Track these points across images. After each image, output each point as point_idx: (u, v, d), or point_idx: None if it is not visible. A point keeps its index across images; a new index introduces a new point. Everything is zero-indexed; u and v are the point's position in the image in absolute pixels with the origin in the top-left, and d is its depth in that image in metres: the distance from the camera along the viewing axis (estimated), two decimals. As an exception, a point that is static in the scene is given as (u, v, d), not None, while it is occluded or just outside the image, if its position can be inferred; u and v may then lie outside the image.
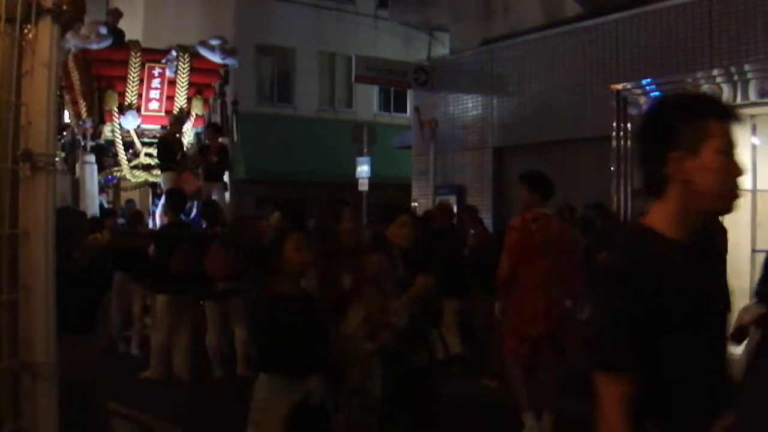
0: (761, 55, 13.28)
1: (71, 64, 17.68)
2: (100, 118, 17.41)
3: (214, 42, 18.27)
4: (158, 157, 17.01)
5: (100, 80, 17.44)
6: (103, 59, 17.35)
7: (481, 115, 18.66)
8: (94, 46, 17.03)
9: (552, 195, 8.46)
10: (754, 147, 14.00)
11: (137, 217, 16.01)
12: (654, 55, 14.85)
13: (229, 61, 18.43)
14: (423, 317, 6.37)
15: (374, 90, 30.37)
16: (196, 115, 18.34)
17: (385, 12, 27.86)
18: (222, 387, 10.97)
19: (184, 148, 17.36)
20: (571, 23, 16.80)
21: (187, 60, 17.82)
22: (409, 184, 20.71)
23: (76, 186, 17.88)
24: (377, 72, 19.73)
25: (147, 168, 17.88)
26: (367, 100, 31.09)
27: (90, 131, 17.55)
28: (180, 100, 17.99)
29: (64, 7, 4.08)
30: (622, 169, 15.12)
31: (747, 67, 13.42)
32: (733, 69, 13.61)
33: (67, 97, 18.31)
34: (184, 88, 17.98)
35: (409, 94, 23.78)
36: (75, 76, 17.75)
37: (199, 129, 18.53)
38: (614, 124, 15.25)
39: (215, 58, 18.16)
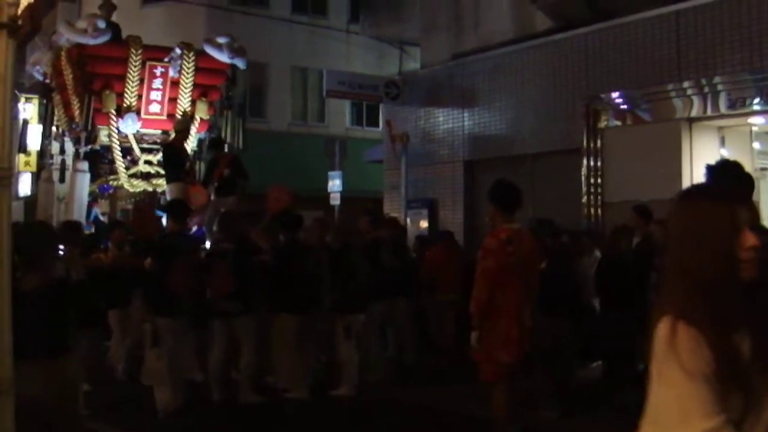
0: (729, 67, 13.35)
1: (64, 61, 16.47)
2: (90, 122, 16.01)
3: (222, 40, 17.06)
4: (164, 165, 15.62)
5: (96, 79, 16.05)
6: (101, 56, 16.02)
7: (451, 128, 18.65)
8: (91, 42, 15.78)
9: (517, 206, 8.12)
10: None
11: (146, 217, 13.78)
12: (623, 68, 14.90)
13: (238, 61, 17.22)
14: None
15: (346, 104, 30.32)
16: (201, 119, 17.06)
17: (357, 26, 27.82)
18: (220, 414, 10.31)
19: (189, 156, 16.07)
20: (541, 37, 16.84)
21: (191, 59, 16.62)
22: (381, 198, 20.67)
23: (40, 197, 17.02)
24: (348, 86, 19.64)
25: (146, 177, 16.49)
26: (340, 115, 31.03)
27: (84, 135, 16.18)
28: (183, 103, 16.74)
29: (20, 22, 4.05)
30: (592, 181, 15.15)
31: (717, 79, 13.48)
32: (703, 81, 13.67)
33: (57, 98, 17.09)
34: (188, 89, 16.73)
35: (381, 108, 23.77)
36: (68, 74, 16.49)
37: (203, 135, 17.21)
38: (584, 137, 15.29)
39: (223, 57, 16.93)
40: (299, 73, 30.58)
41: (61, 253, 7.19)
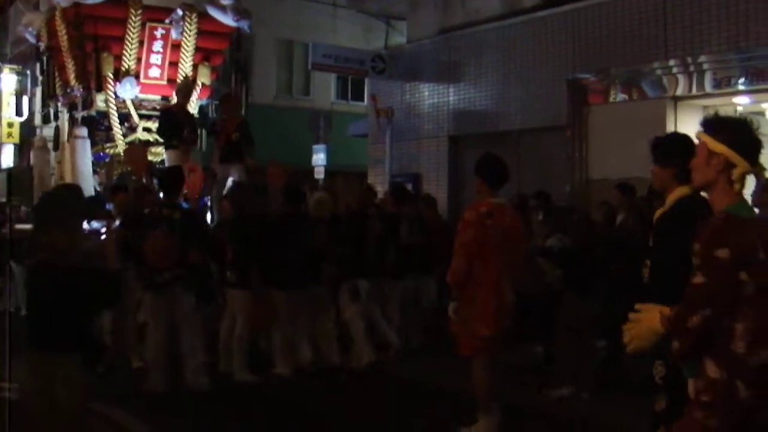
0: (715, 46, 13.37)
1: (59, 21, 15.71)
2: (98, 84, 15.21)
3: (226, 1, 16.17)
4: (159, 131, 14.88)
5: (94, 41, 15.21)
6: (99, 16, 15.22)
7: (437, 103, 18.65)
8: (89, 1, 15.00)
9: (504, 181, 8.14)
10: (707, 138, 14.09)
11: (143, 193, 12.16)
12: (609, 46, 14.90)
13: (243, 25, 16.42)
14: None
15: (332, 78, 30.24)
16: (203, 84, 16.32)
17: (343, 0, 27.72)
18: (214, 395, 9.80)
19: (195, 123, 15.24)
20: (528, 13, 16.81)
21: (194, 21, 15.80)
22: (365, 172, 20.66)
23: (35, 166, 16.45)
24: (334, 60, 19.52)
25: (145, 145, 15.70)
26: (325, 88, 30.96)
27: (80, 100, 15.48)
28: (185, 67, 15.99)
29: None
30: (576, 158, 15.18)
31: (702, 58, 13.52)
32: (689, 60, 13.71)
33: (51, 61, 16.45)
34: (190, 53, 15.97)
35: (367, 82, 23.70)
36: (63, 35, 15.74)
37: (205, 101, 16.54)
38: (569, 114, 15.31)
39: (227, 20, 16.14)
40: (285, 46, 30.46)
41: (101, 234, 6.25)
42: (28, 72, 18.30)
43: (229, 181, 14.01)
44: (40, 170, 16.80)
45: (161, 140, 15.01)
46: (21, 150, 28.28)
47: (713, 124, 4.16)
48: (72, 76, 15.65)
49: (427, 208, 14.04)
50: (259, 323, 10.88)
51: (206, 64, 16.37)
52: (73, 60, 15.60)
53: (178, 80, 15.82)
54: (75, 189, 6.64)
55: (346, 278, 11.20)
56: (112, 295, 5.66)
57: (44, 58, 16.78)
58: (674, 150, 5.42)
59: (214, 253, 10.95)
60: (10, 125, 29.57)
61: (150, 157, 15.52)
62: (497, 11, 17.65)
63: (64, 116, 16.23)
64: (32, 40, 17.36)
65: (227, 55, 16.90)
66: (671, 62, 13.98)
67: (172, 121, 14.38)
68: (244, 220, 10.82)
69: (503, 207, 8.19)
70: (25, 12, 16.16)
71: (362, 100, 28.74)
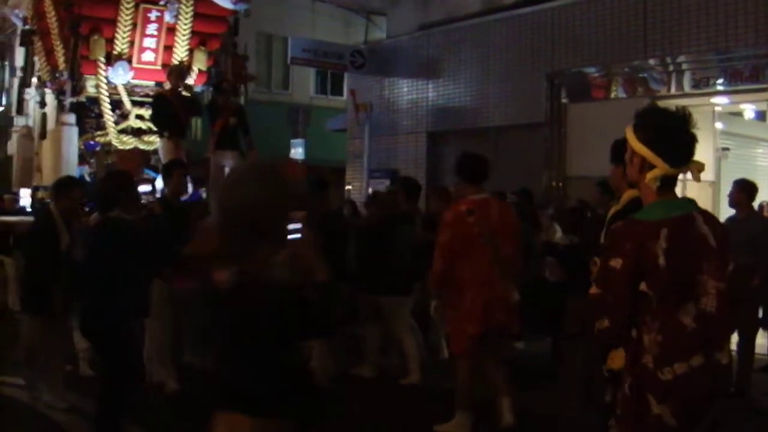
0: (694, 47, 13.40)
1: (47, 3, 15.06)
2: (76, 71, 14.49)
3: None
4: (153, 118, 14.00)
5: (84, 23, 14.46)
6: None
7: (416, 99, 18.63)
8: None
9: (484, 176, 7.93)
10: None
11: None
12: (589, 44, 14.92)
13: (240, 7, 15.77)
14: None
15: (311, 72, 30.16)
16: (199, 70, 15.70)
17: (323, -6, 27.67)
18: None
19: (189, 107, 14.06)
20: (508, 10, 16.81)
21: (190, 3, 15.20)
22: (344, 167, 20.63)
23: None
24: (313, 54, 19.46)
25: (138, 133, 14.98)
26: (304, 83, 30.86)
27: (69, 86, 14.62)
28: (180, 52, 15.35)
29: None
30: (555, 154, 15.20)
31: (682, 58, 13.57)
32: (668, 60, 13.75)
33: (39, 45, 15.77)
34: (186, 36, 15.34)
35: (346, 77, 23.66)
36: (52, 18, 15.04)
37: (200, 88, 15.85)
38: (548, 111, 15.34)
39: (224, 2, 15.55)
40: (264, 40, 30.34)
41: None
42: (7, 63, 17.94)
43: (226, 171, 13.00)
44: (22, 160, 16.34)
45: (155, 128, 14.33)
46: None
47: (637, 119, 3.86)
48: (61, 60, 14.96)
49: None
50: None
51: (203, 48, 15.79)
52: (62, 43, 14.88)
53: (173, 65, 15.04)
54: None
55: (369, 295, 10.28)
56: (328, 321, 3.78)
57: (30, 42, 16.24)
58: (622, 150, 5.41)
59: None
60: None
61: (143, 146, 14.99)
62: (477, 8, 17.66)
63: (53, 103, 15.50)
64: (19, 23, 16.70)
65: (225, 39, 16.24)
66: (651, 62, 14.04)
67: (167, 109, 13.45)
68: None
69: (488, 201, 7.92)
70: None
71: (341, 95, 28.68)
